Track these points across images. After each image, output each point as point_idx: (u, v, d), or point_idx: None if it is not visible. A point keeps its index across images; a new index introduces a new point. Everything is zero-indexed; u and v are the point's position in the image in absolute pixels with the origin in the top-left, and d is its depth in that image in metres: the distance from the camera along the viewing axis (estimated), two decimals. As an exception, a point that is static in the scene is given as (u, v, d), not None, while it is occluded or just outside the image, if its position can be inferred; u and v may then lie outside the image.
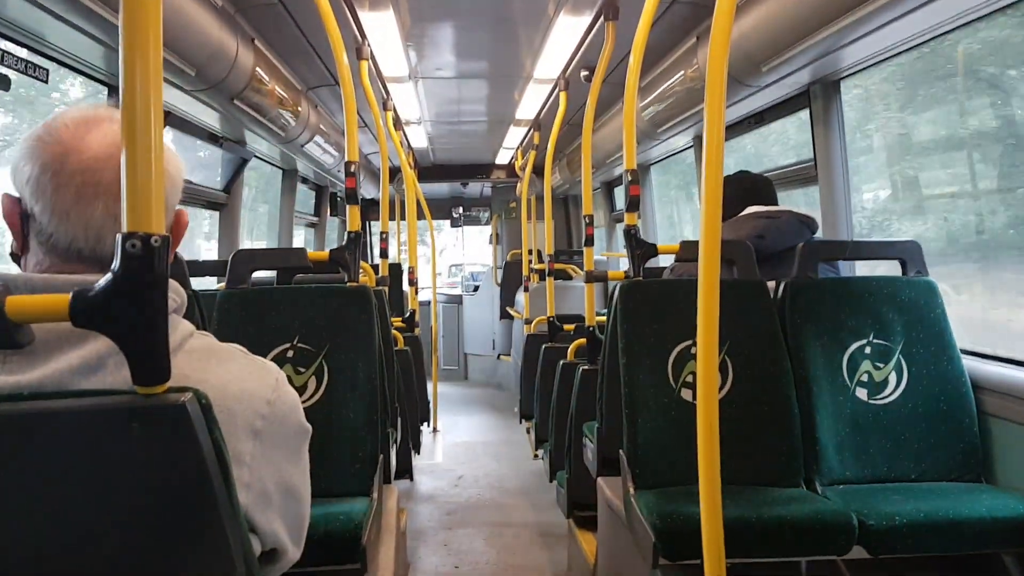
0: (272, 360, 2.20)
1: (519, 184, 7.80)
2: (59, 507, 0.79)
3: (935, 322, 2.38)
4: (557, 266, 6.08)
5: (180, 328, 0.95)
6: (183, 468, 0.79)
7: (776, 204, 2.89)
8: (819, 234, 2.80)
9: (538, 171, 6.79)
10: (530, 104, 5.41)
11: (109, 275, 0.74)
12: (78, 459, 0.78)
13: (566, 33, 3.70)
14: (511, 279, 8.03)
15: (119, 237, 0.74)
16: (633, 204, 2.59)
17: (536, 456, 5.21)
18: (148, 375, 0.76)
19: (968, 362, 2.37)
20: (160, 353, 0.76)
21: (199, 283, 3.22)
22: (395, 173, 7.05)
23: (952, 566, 2.17)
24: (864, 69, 3.03)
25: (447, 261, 13.13)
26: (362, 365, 2.26)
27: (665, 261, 3.55)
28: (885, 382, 2.35)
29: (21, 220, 0.93)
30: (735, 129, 4.03)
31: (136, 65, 0.74)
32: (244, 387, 0.95)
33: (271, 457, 0.98)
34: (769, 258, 2.72)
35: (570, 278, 6.89)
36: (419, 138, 6.78)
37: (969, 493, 2.09)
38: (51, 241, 0.91)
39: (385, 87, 4.57)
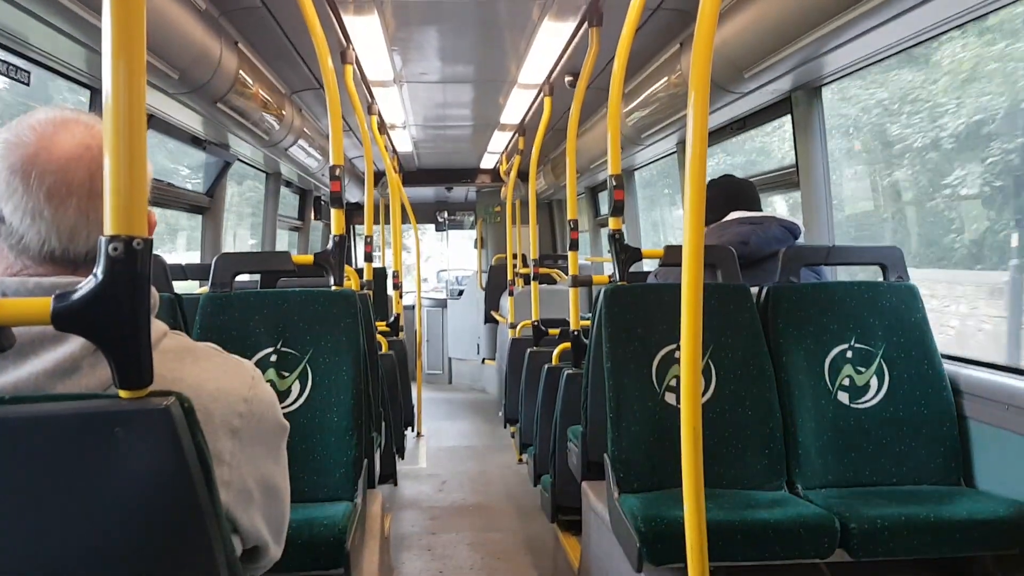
0: (256, 364, 2.19)
1: (504, 188, 7.82)
2: (40, 511, 0.78)
3: (916, 326, 2.41)
4: (542, 270, 6.09)
5: (154, 328, 0.94)
6: (166, 472, 0.79)
7: (760, 209, 2.91)
8: (801, 239, 2.83)
9: (523, 176, 6.80)
10: (515, 109, 5.42)
11: (91, 278, 0.74)
12: (60, 463, 0.77)
13: (551, 39, 3.72)
14: (496, 283, 8.03)
15: (102, 240, 0.73)
16: (617, 209, 2.60)
17: (520, 460, 5.21)
18: (131, 379, 0.76)
19: (948, 366, 2.39)
20: (143, 357, 0.76)
21: (181, 286, 3.20)
22: (380, 177, 7.04)
23: (933, 569, 2.19)
24: (846, 76, 3.06)
25: (432, 267, 13.06)
26: (346, 369, 2.26)
27: (649, 265, 3.57)
28: (867, 386, 2.37)
29: None
30: (718, 135, 4.06)
31: (120, 68, 0.74)
32: (220, 386, 0.95)
33: (251, 455, 0.98)
34: (752, 264, 2.74)
35: (555, 282, 6.90)
36: (404, 142, 6.78)
37: (949, 496, 2.11)
38: (22, 243, 0.90)
39: (370, 91, 4.57)
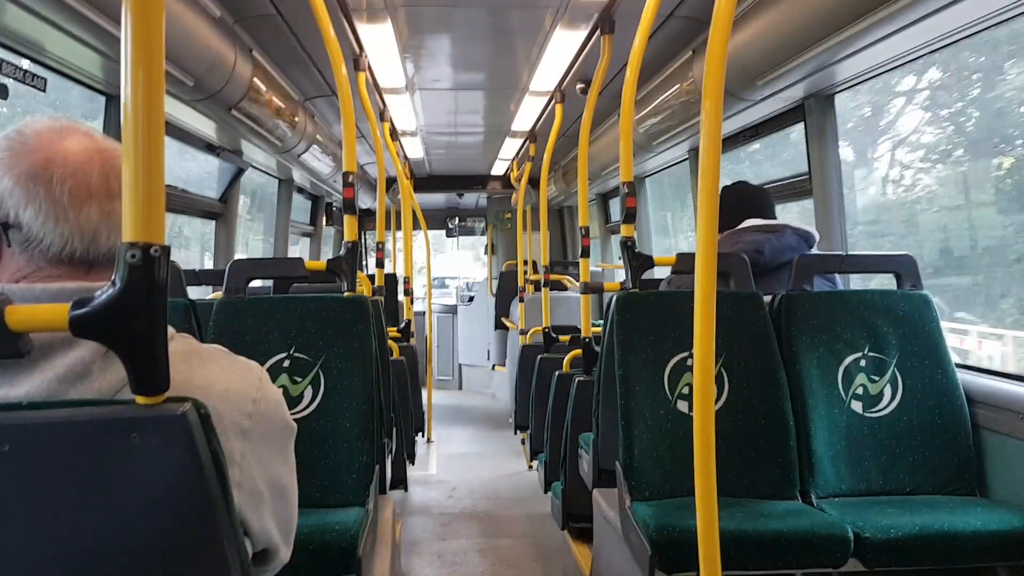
0: (268, 370, 2.20)
1: (515, 195, 7.82)
2: (57, 515, 0.78)
3: (930, 335, 2.39)
4: (552, 277, 6.09)
5: None
6: (182, 477, 0.79)
7: (774, 216, 2.90)
8: (816, 249, 2.81)
9: (534, 182, 6.81)
10: (526, 116, 5.43)
11: (109, 285, 0.74)
12: (77, 469, 0.78)
13: (562, 46, 3.72)
14: (506, 290, 8.03)
15: (120, 247, 0.74)
16: (629, 216, 2.60)
17: (531, 467, 5.20)
18: (148, 385, 0.76)
19: (962, 375, 2.38)
20: (160, 363, 0.76)
21: (195, 292, 3.22)
22: (391, 183, 7.06)
23: None
24: (859, 83, 3.05)
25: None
26: (358, 375, 2.26)
27: (661, 272, 3.56)
28: (880, 395, 2.35)
29: None
30: (730, 142, 4.06)
31: (138, 77, 0.75)
32: (229, 387, 0.96)
33: (260, 455, 0.98)
34: (766, 272, 2.73)
35: (565, 289, 6.90)
36: (415, 149, 6.80)
37: (963, 506, 2.09)
38: (41, 247, 0.90)
39: (382, 98, 4.59)
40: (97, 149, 0.94)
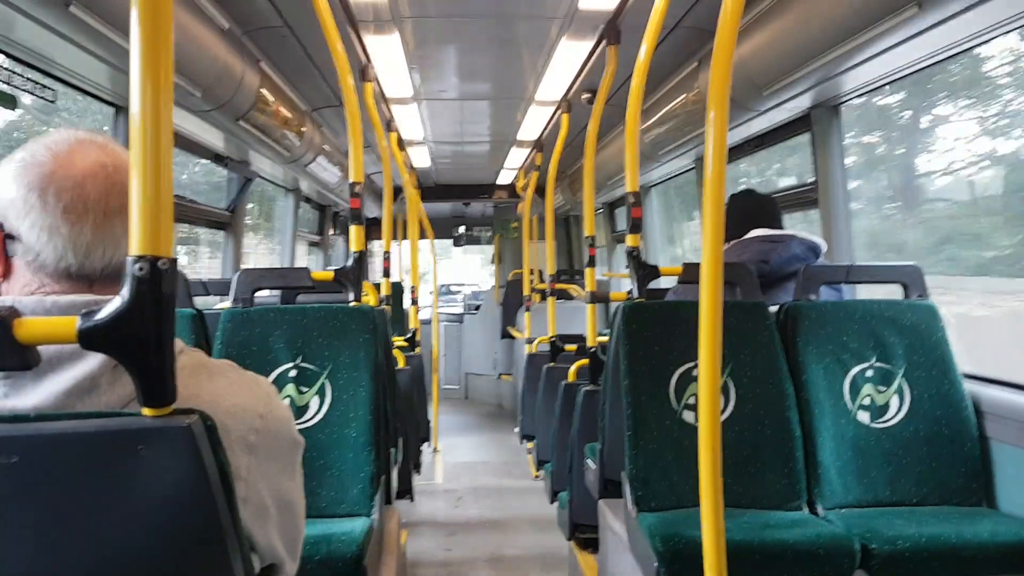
0: (275, 380, 2.21)
1: (521, 204, 7.84)
2: (63, 527, 0.79)
3: (936, 345, 2.39)
4: (558, 286, 6.10)
5: None
6: (188, 489, 0.79)
7: (781, 226, 2.89)
8: (823, 259, 2.80)
9: (540, 191, 6.82)
10: (532, 126, 5.44)
11: (117, 297, 0.75)
12: (84, 480, 0.78)
13: (568, 56, 3.74)
14: (512, 299, 8.03)
15: (128, 260, 0.74)
16: (635, 226, 2.60)
17: (537, 477, 5.19)
18: (155, 397, 0.77)
19: (969, 386, 2.37)
20: (167, 375, 0.76)
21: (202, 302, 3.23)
22: (398, 193, 7.08)
23: None
24: (865, 93, 3.05)
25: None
26: (364, 385, 2.26)
27: (669, 282, 3.56)
28: (887, 405, 2.35)
29: (3, 243, 0.93)
30: (736, 152, 4.06)
31: (146, 88, 0.75)
32: (236, 402, 0.96)
33: (266, 471, 0.98)
34: (773, 282, 2.72)
35: (571, 298, 6.90)
36: (422, 158, 6.81)
37: (971, 517, 2.08)
38: (39, 260, 0.91)
39: (389, 108, 4.61)
40: (104, 164, 0.94)
